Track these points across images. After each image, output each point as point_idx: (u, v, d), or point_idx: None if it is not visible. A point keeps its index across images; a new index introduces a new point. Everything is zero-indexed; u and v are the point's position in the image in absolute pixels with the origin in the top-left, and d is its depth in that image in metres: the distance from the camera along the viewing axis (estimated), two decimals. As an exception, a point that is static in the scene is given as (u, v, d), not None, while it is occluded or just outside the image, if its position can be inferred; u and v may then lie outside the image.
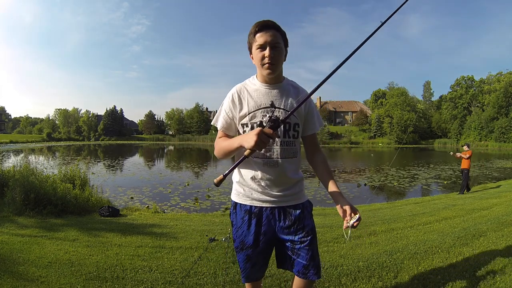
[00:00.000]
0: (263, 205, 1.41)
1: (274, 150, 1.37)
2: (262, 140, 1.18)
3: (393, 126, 53.03)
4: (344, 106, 67.54)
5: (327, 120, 64.04)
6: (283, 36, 1.35)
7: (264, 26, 1.31)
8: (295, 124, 1.39)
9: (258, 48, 1.31)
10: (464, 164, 8.84)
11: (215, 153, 1.42)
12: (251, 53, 1.37)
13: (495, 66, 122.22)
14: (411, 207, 6.19)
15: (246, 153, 1.24)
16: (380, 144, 51.82)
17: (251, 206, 1.42)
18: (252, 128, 1.36)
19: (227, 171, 1.26)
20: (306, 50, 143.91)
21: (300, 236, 1.40)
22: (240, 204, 1.45)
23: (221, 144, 1.39)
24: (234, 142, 1.31)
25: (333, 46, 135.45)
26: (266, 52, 1.29)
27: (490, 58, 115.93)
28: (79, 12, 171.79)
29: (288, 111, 1.36)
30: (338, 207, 1.32)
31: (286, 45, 1.38)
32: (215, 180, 1.25)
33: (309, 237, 1.40)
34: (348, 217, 1.27)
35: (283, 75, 1.43)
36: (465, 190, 8.66)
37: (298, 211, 1.42)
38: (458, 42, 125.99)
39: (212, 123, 1.50)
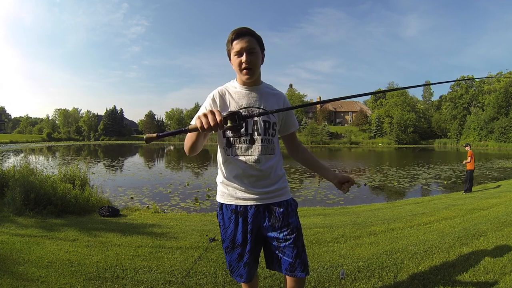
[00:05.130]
0: (248, 203, 1.45)
1: (255, 147, 1.43)
2: (206, 117, 1.11)
3: (393, 126, 53.03)
4: (344, 106, 67.51)
5: (327, 120, 64.06)
6: (258, 41, 1.42)
7: (240, 33, 1.38)
8: (273, 123, 1.48)
9: (235, 55, 1.39)
10: (468, 165, 8.95)
11: (184, 147, 1.40)
12: (230, 59, 1.45)
13: (495, 66, 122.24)
14: (411, 207, 6.19)
15: (189, 126, 1.18)
16: (380, 144, 51.82)
17: (236, 206, 1.46)
18: (224, 130, 1.39)
19: (162, 133, 1.16)
20: (305, 50, 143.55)
21: (284, 233, 1.44)
22: (226, 204, 1.50)
23: (188, 134, 1.36)
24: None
25: (332, 46, 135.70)
26: (243, 58, 1.37)
27: (490, 58, 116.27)
28: (79, 13, 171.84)
29: (266, 111, 1.43)
30: (335, 182, 1.52)
31: (262, 49, 1.45)
32: (146, 135, 1.17)
33: (294, 235, 1.44)
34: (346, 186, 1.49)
35: (261, 79, 1.51)
36: (464, 190, 8.71)
37: (282, 209, 1.46)
38: (457, 42, 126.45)
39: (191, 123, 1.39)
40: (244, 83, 1.46)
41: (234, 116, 1.16)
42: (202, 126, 1.12)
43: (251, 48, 1.38)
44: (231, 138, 1.44)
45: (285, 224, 1.45)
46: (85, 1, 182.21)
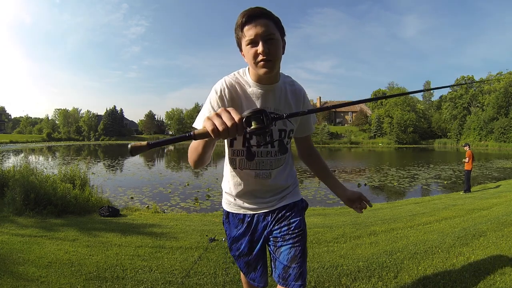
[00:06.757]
0: (255, 212, 1.34)
1: (267, 161, 1.26)
2: (219, 117, 0.80)
3: (393, 126, 53.07)
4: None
5: (327, 120, 64.08)
6: (277, 25, 1.09)
7: (253, 15, 1.05)
8: (290, 131, 1.26)
9: (248, 44, 1.07)
10: (466, 166, 9.00)
11: (189, 160, 1.15)
12: (241, 49, 1.14)
13: (495, 66, 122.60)
14: (411, 207, 6.19)
15: (195, 132, 0.82)
16: (380, 144, 51.83)
17: (244, 215, 1.36)
18: (244, 135, 1.18)
19: (154, 142, 0.79)
20: (304, 50, 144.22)
21: (284, 232, 1.29)
22: (232, 213, 1.38)
23: (192, 144, 1.08)
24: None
25: (331, 46, 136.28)
26: (259, 47, 1.05)
27: (489, 58, 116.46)
28: (79, 13, 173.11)
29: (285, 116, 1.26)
30: (345, 200, 1.39)
31: (282, 35, 1.12)
32: (131, 144, 0.80)
33: (294, 235, 1.28)
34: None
35: (280, 71, 1.22)
36: (464, 190, 8.72)
37: (286, 208, 1.34)
38: (457, 42, 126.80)
39: (193, 126, 1.14)
40: (260, 80, 1.16)
41: (260, 116, 0.83)
42: (215, 129, 0.79)
43: (269, 34, 1.06)
44: (237, 151, 1.24)
45: (286, 224, 1.31)
46: (85, 2, 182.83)
